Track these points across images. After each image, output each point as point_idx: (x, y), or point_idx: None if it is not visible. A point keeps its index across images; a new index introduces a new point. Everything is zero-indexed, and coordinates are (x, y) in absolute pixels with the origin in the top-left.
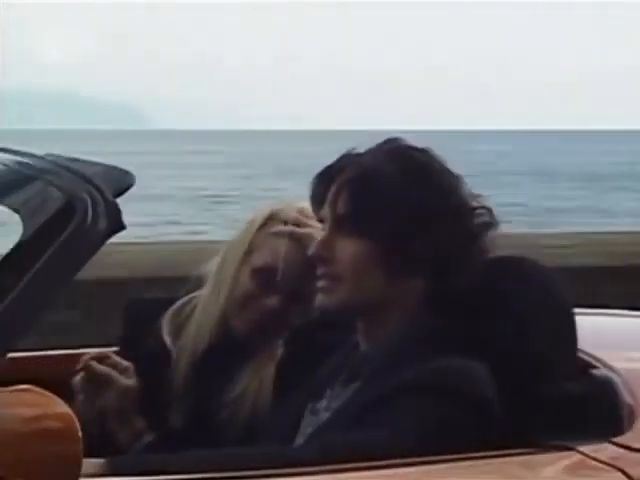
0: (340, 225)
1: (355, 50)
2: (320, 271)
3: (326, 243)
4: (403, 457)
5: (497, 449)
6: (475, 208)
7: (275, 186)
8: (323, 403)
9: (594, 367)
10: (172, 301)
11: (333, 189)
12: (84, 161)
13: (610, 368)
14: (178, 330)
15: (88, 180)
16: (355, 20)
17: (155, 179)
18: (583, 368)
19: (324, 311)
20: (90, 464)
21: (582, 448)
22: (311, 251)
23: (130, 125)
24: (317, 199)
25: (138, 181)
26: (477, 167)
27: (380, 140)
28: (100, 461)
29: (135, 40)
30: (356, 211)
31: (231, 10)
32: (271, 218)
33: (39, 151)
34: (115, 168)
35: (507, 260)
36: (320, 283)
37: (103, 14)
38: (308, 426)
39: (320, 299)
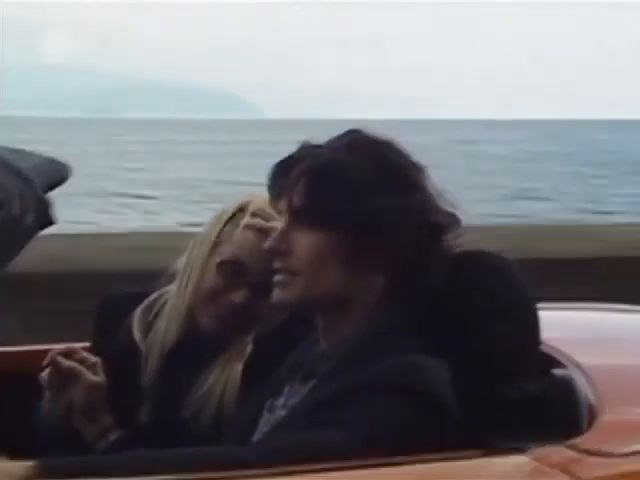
0: (296, 218)
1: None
2: (277, 265)
3: (282, 236)
4: (354, 458)
5: (451, 450)
6: (439, 203)
7: None
8: (281, 401)
9: (559, 364)
10: (147, 296)
11: (290, 180)
12: (23, 152)
13: (576, 365)
14: (148, 327)
15: (17, 173)
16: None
17: (266, 168)
18: (547, 366)
19: (280, 306)
20: (19, 466)
21: (536, 450)
22: (267, 244)
23: (237, 114)
24: (275, 191)
25: (249, 170)
26: (605, 156)
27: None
28: (29, 463)
29: (242, 30)
30: (312, 203)
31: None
32: (241, 210)
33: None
34: (53, 161)
35: (470, 256)
36: (276, 277)
37: (211, 6)
38: (265, 424)
39: (276, 294)
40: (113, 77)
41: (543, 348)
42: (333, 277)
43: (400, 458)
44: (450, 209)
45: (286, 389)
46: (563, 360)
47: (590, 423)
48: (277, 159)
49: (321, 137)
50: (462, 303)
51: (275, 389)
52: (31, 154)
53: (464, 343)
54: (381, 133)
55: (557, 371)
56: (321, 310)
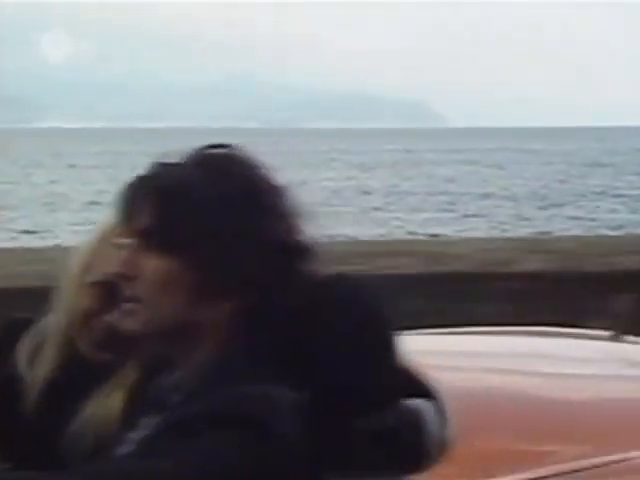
0: (143, 240)
1: None
2: (123, 291)
3: (129, 260)
4: None
5: None
6: (297, 225)
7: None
8: (135, 433)
9: (419, 394)
10: (37, 321)
11: (138, 201)
12: None
13: (437, 393)
14: (34, 353)
15: None
16: None
17: (478, 178)
18: (404, 395)
19: (128, 336)
20: None
21: None
22: (113, 269)
23: (422, 123)
24: (124, 212)
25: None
26: None
27: None
28: None
29: (432, 36)
30: (158, 225)
31: None
32: (115, 227)
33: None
34: None
35: (328, 280)
36: (123, 305)
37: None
38: None
39: (123, 323)
40: (295, 89)
41: (405, 375)
42: (181, 304)
43: None
44: (311, 231)
45: (142, 421)
46: (423, 389)
47: (439, 456)
48: (485, 166)
49: (496, 145)
50: (315, 331)
51: (133, 421)
52: None
53: (314, 373)
54: (243, 149)
55: (408, 402)
56: (171, 338)
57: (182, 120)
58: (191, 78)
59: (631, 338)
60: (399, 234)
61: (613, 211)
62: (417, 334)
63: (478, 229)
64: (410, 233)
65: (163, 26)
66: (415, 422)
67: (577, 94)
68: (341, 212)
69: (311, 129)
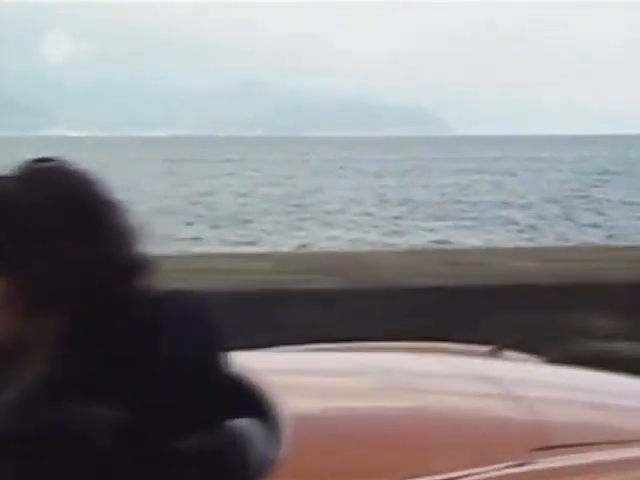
0: None
1: None
2: None
3: None
4: None
5: None
6: (129, 240)
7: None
8: None
9: (251, 413)
10: None
11: None
12: None
13: (271, 411)
14: None
15: None
16: None
17: (492, 187)
18: (234, 415)
19: None
20: None
21: None
22: None
23: (422, 129)
24: None
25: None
26: None
27: None
28: None
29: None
30: None
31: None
32: None
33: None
34: None
35: (159, 297)
36: None
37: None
38: None
39: None
40: (300, 95)
41: (235, 394)
42: (7, 322)
43: None
44: (143, 246)
45: None
46: (255, 407)
47: (264, 475)
48: (498, 175)
49: (508, 153)
50: (143, 348)
51: None
52: None
53: (139, 391)
54: (73, 163)
55: (234, 422)
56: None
57: (185, 128)
58: (192, 81)
59: (512, 354)
60: (422, 242)
61: (636, 218)
62: (268, 352)
63: (501, 237)
64: (437, 242)
65: (163, 26)
66: (238, 442)
67: (576, 97)
68: (360, 221)
69: (314, 137)
